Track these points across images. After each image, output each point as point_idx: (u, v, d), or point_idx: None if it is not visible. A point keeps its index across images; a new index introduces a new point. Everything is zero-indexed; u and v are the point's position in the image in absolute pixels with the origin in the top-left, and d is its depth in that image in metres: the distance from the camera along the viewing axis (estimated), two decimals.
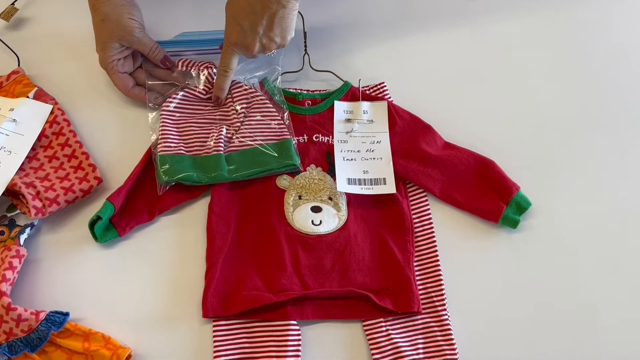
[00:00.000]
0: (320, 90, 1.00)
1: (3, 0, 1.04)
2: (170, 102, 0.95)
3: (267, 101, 0.95)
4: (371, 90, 1.00)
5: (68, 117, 0.95)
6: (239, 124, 0.93)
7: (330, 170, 0.93)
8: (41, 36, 1.05)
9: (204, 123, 0.94)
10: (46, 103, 0.95)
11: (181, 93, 0.95)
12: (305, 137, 0.96)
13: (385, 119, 0.96)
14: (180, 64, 0.97)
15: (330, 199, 0.91)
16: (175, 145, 0.91)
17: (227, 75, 0.94)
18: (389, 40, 1.06)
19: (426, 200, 0.92)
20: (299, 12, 0.92)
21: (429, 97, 1.00)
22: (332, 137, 0.95)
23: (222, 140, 0.92)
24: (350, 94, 0.98)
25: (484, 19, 1.08)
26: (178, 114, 0.94)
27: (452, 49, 1.05)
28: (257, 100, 0.95)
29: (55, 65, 1.02)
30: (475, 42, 1.06)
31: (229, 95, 0.96)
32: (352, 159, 0.93)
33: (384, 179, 0.92)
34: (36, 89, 0.97)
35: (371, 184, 0.91)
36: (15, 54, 1.01)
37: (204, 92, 0.96)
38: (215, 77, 0.96)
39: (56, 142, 0.93)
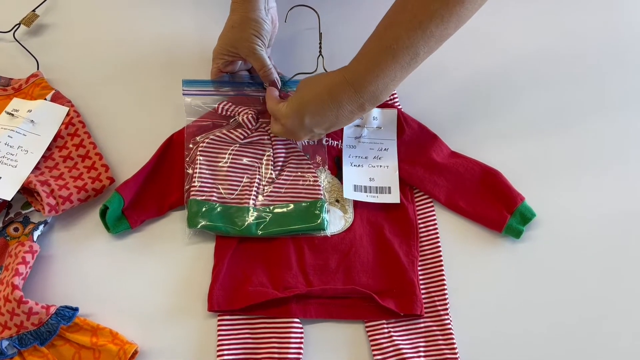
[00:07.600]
0: None
1: (24, 7, 1.07)
2: (209, 142, 0.93)
3: (305, 157, 0.94)
4: None
5: (83, 119, 0.97)
6: (273, 177, 0.92)
7: (339, 173, 0.94)
8: (60, 42, 1.07)
9: (240, 169, 0.92)
10: (63, 105, 0.97)
11: (220, 135, 0.94)
12: (316, 139, 0.96)
13: (394, 127, 0.96)
14: (220, 107, 0.96)
15: (337, 201, 0.92)
16: (208, 189, 0.90)
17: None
18: None
19: (432, 206, 0.92)
20: (315, 11, 0.94)
21: (438, 106, 1.01)
22: (342, 142, 0.96)
23: (254, 191, 0.91)
24: None
25: (494, 29, 1.09)
26: (215, 156, 0.93)
27: (461, 59, 1.06)
28: (295, 155, 0.94)
29: (72, 69, 1.04)
30: (484, 53, 1.07)
31: (269, 145, 0.94)
32: (359, 165, 0.94)
33: (389, 187, 0.92)
34: (54, 91, 0.99)
35: (376, 192, 0.92)
36: (35, 58, 1.04)
37: (242, 136, 0.94)
38: (255, 118, 0.95)
39: (71, 142, 0.94)
